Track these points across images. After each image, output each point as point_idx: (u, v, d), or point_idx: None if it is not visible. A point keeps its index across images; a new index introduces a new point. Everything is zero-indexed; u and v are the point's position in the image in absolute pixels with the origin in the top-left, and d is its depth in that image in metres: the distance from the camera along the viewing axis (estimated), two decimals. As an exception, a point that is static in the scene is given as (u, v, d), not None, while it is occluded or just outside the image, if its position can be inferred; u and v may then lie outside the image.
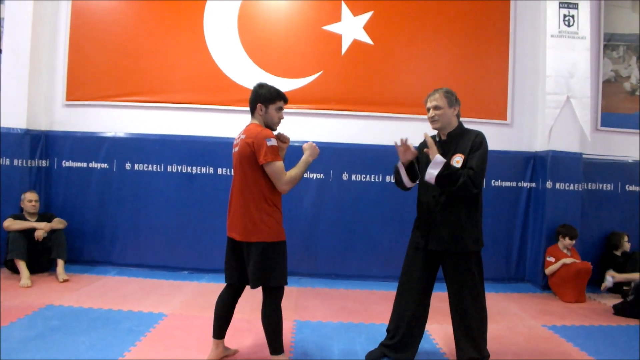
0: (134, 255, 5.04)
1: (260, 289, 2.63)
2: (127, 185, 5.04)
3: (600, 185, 5.19)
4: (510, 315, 4.01)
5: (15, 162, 4.87)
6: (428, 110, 2.80)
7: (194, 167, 5.04)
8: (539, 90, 5.18)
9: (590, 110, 5.04)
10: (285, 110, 2.80)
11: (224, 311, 2.78)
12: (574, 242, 4.66)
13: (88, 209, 5.06)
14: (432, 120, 2.79)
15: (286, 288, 2.70)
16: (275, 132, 2.74)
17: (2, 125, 4.86)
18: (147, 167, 5.05)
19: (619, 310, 4.12)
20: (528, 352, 3.20)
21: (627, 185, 5.20)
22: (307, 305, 4.06)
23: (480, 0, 5.23)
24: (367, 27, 5.20)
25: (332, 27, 5.20)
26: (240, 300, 2.83)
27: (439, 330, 3.49)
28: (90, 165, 5.07)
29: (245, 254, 2.62)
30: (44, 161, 5.07)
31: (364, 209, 5.03)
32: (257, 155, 2.54)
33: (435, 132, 2.90)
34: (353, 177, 5.04)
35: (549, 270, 4.67)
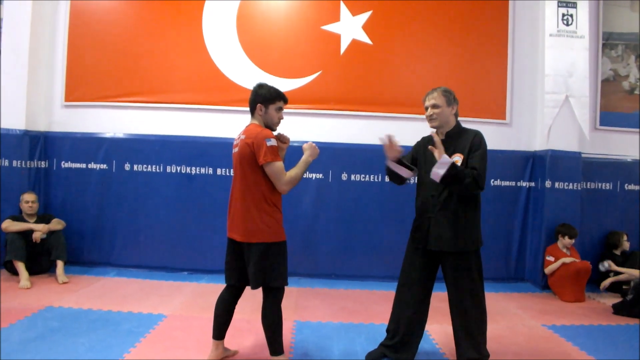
0: (134, 256, 5.03)
1: (260, 289, 2.63)
2: (126, 186, 5.04)
3: (600, 185, 5.20)
4: (509, 315, 4.01)
5: (14, 163, 4.86)
6: (426, 108, 2.81)
7: (193, 168, 5.03)
8: (537, 89, 5.18)
9: (589, 110, 5.04)
10: (284, 110, 2.80)
11: (223, 312, 2.78)
12: (573, 241, 4.66)
13: (87, 210, 5.05)
14: (430, 119, 2.80)
15: (286, 288, 2.70)
16: (275, 133, 2.74)
17: (1, 126, 4.85)
18: (146, 167, 5.04)
19: (618, 310, 4.12)
20: (528, 352, 3.20)
21: (626, 185, 5.21)
22: (307, 306, 4.06)
23: (479, 0, 5.23)
24: (366, 27, 5.19)
25: (331, 27, 5.19)
26: (240, 301, 2.83)
27: (438, 330, 3.49)
28: (90, 166, 5.07)
29: (246, 254, 2.62)
30: (43, 162, 5.07)
31: (363, 209, 5.03)
32: (256, 156, 2.54)
33: (433, 132, 2.90)
34: (352, 177, 5.04)
35: (548, 270, 4.67)
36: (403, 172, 2.84)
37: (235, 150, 2.70)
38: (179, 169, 5.04)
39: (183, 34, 5.17)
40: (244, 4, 5.18)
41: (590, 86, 5.13)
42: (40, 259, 4.53)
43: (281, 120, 2.78)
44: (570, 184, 4.93)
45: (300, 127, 4.95)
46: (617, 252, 4.90)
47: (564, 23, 4.99)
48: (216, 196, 4.90)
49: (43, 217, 4.69)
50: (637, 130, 5.32)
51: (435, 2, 5.22)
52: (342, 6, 5.18)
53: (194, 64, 5.17)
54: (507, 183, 5.14)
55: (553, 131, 4.97)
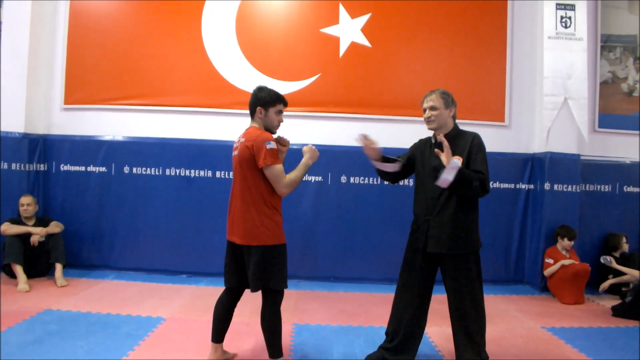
0: (133, 259, 5.03)
1: (259, 292, 2.63)
2: (125, 188, 5.04)
3: (599, 187, 5.20)
4: (509, 317, 4.01)
5: (14, 166, 4.86)
6: (424, 110, 2.81)
7: (193, 170, 5.03)
8: (536, 91, 5.19)
9: (587, 112, 5.05)
10: (283, 113, 2.80)
11: (223, 315, 2.78)
12: (572, 243, 4.66)
13: (86, 212, 5.05)
14: (428, 121, 2.80)
15: (285, 291, 2.69)
16: (275, 135, 2.74)
17: (0, 129, 4.85)
18: (146, 170, 5.04)
19: (617, 312, 4.12)
20: (527, 354, 3.20)
21: (625, 186, 5.21)
22: (306, 308, 4.05)
23: (478, 2, 5.25)
24: (365, 30, 5.20)
25: (329, 30, 5.20)
26: (239, 304, 2.82)
27: (437, 332, 3.49)
28: (89, 168, 5.07)
29: (246, 257, 2.62)
30: (42, 165, 5.07)
31: (362, 211, 5.03)
32: (256, 159, 2.54)
33: (430, 134, 2.91)
34: (352, 179, 5.04)
35: (547, 272, 4.67)
36: (388, 167, 2.90)
37: (235, 153, 2.70)
38: (178, 171, 5.03)
39: (182, 37, 5.18)
40: (243, 7, 5.20)
41: (589, 88, 5.14)
42: (38, 262, 4.52)
43: (281, 123, 2.79)
44: (569, 186, 4.93)
45: (300, 130, 4.95)
46: (617, 254, 4.90)
47: (562, 25, 5.00)
48: (215, 199, 4.90)
49: (42, 219, 4.69)
50: (636, 132, 5.33)
51: (434, 5, 5.23)
52: (341, 9, 5.19)
53: (193, 66, 5.18)
54: (506, 185, 5.14)
55: (552, 133, 4.98)
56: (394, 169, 2.92)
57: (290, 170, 2.65)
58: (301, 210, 4.99)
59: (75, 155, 5.08)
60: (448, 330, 2.83)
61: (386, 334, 2.94)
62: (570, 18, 5.01)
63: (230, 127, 4.87)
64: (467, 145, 2.69)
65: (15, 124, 4.90)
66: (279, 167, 2.58)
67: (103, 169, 5.06)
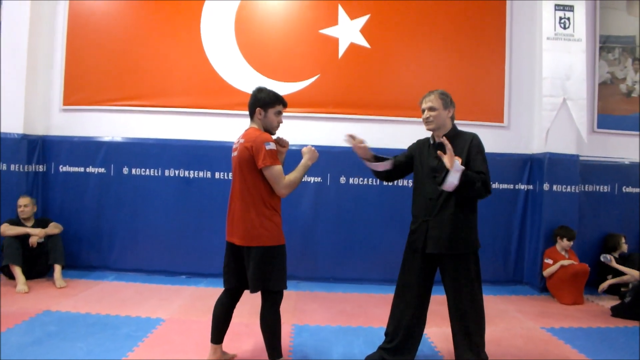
0: (132, 260, 5.02)
1: (258, 293, 2.62)
2: (124, 189, 5.04)
3: (598, 187, 5.21)
4: (508, 318, 4.01)
5: (12, 167, 4.86)
6: (423, 111, 2.82)
7: (192, 172, 5.03)
8: (535, 92, 5.20)
9: (586, 112, 5.06)
10: (283, 114, 2.81)
11: (222, 315, 2.77)
12: (571, 243, 4.67)
13: (85, 213, 5.05)
14: (427, 122, 2.81)
15: (285, 292, 2.69)
16: (274, 136, 2.74)
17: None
18: (145, 171, 5.04)
19: (616, 312, 4.12)
20: (526, 354, 3.20)
21: (624, 187, 5.22)
22: (305, 309, 4.05)
23: (477, 3, 5.25)
24: (364, 31, 5.21)
25: (328, 31, 5.21)
26: (238, 305, 2.82)
27: (437, 333, 3.49)
28: (88, 169, 5.07)
29: (245, 258, 2.62)
30: (41, 166, 5.06)
31: (362, 212, 5.03)
32: (255, 159, 2.54)
33: (429, 135, 2.92)
34: (351, 180, 5.04)
35: (546, 272, 4.68)
36: (379, 167, 2.96)
37: (235, 154, 2.70)
38: (177, 172, 5.03)
39: (181, 38, 5.18)
40: (242, 8, 5.20)
41: (588, 89, 5.14)
42: (38, 263, 4.52)
43: (280, 124, 2.79)
44: (569, 186, 4.93)
45: (299, 131, 4.95)
46: (616, 255, 4.89)
47: (561, 26, 5.01)
48: (214, 200, 4.90)
49: (41, 221, 4.68)
50: (634, 132, 5.35)
51: (433, 7, 5.24)
52: (340, 10, 5.19)
53: (192, 67, 5.18)
54: (505, 186, 5.15)
55: (551, 134, 4.99)
56: (384, 168, 2.96)
57: (290, 171, 2.66)
58: (300, 211, 4.99)
59: (74, 156, 5.08)
60: (447, 330, 2.83)
61: (385, 334, 2.94)
62: (569, 19, 5.03)
63: (229, 128, 4.86)
64: (466, 145, 2.70)
65: (14, 125, 4.90)
66: (278, 168, 2.58)
67: (102, 170, 5.06)
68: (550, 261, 4.67)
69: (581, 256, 4.81)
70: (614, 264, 4.61)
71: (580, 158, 5.05)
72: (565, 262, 4.55)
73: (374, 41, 5.21)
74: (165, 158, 5.03)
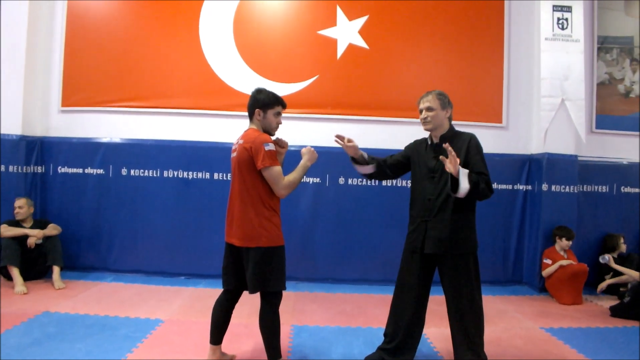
0: (131, 261, 5.02)
1: (258, 293, 2.62)
2: (123, 190, 5.03)
3: (596, 187, 5.22)
4: (507, 318, 4.01)
5: (11, 168, 4.85)
6: (420, 111, 2.83)
7: (190, 173, 5.02)
8: (534, 92, 5.21)
9: (585, 113, 5.07)
10: (282, 115, 2.81)
11: (221, 316, 2.77)
12: (570, 243, 4.67)
13: (84, 215, 5.04)
14: (425, 122, 2.82)
15: (284, 292, 2.69)
16: (273, 137, 2.74)
17: (-2, 132, 4.86)
18: (143, 172, 5.04)
19: (616, 312, 4.13)
20: (526, 355, 3.20)
21: (622, 187, 5.23)
22: (304, 310, 4.05)
23: (475, 4, 5.26)
24: (363, 32, 5.21)
25: (327, 32, 5.21)
26: (237, 305, 2.82)
27: (436, 333, 3.49)
28: (86, 171, 5.06)
29: (244, 259, 2.62)
30: (39, 167, 5.06)
31: (361, 212, 5.03)
32: (255, 160, 2.54)
33: (427, 135, 2.93)
34: (350, 181, 5.04)
35: (545, 273, 4.68)
36: (366, 169, 3.01)
37: (234, 155, 2.70)
38: (175, 173, 5.03)
39: (180, 39, 5.18)
40: (241, 9, 5.20)
41: (586, 89, 5.15)
42: (36, 264, 4.51)
43: (279, 125, 2.79)
44: (567, 186, 4.94)
45: (298, 132, 4.95)
46: (615, 255, 4.90)
47: (559, 27, 5.03)
48: (213, 201, 4.89)
49: (39, 222, 4.68)
50: (633, 132, 5.35)
51: (432, 7, 5.25)
52: (339, 11, 5.20)
53: (190, 68, 5.18)
54: (504, 186, 5.15)
55: (549, 134, 5.00)
56: (366, 172, 3.02)
57: (289, 172, 2.66)
58: (300, 212, 4.99)
59: (72, 158, 5.07)
60: (446, 331, 2.83)
61: (385, 334, 2.94)
62: (567, 20, 5.04)
63: (228, 129, 4.86)
64: (465, 146, 2.71)
65: (12, 126, 4.89)
66: (278, 168, 2.58)
67: (101, 171, 5.05)
68: (549, 261, 4.67)
69: (580, 256, 4.82)
70: (613, 265, 4.61)
71: (579, 158, 5.06)
72: (564, 262, 4.55)
73: (372, 42, 5.22)
74: (164, 159, 5.03)
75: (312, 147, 2.87)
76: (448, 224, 2.67)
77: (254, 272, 2.56)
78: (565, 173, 4.95)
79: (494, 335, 3.46)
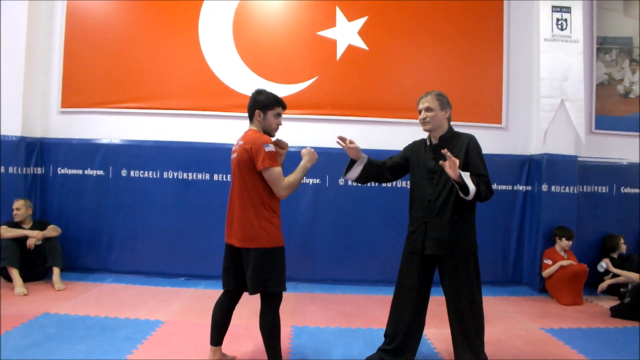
0: (131, 262, 5.01)
1: (258, 294, 2.62)
2: (123, 192, 5.03)
3: (596, 188, 5.22)
4: (507, 318, 4.01)
5: (11, 169, 4.85)
6: (420, 112, 2.83)
7: (190, 174, 5.03)
8: (533, 93, 5.21)
9: (584, 113, 5.07)
10: (282, 116, 2.81)
11: (221, 318, 2.77)
12: (570, 243, 4.67)
13: (84, 216, 5.04)
14: (424, 122, 2.82)
15: (284, 293, 2.69)
16: (273, 138, 2.75)
17: (-2, 133, 4.86)
18: (143, 173, 5.03)
19: (616, 312, 4.12)
20: (526, 355, 3.20)
21: (622, 187, 5.23)
22: (304, 311, 4.05)
23: (474, 5, 5.27)
24: (362, 32, 5.22)
25: (326, 33, 5.22)
26: (237, 306, 2.82)
27: (436, 334, 3.49)
28: (86, 172, 5.06)
29: (244, 260, 2.62)
30: (39, 168, 5.05)
31: (360, 213, 5.03)
32: (255, 161, 2.54)
33: (426, 136, 2.93)
34: (349, 182, 5.03)
35: (545, 273, 4.68)
36: (353, 173, 3.02)
37: (234, 156, 2.70)
38: (175, 174, 5.03)
39: (179, 40, 5.18)
40: (240, 9, 5.20)
41: (586, 90, 5.16)
42: (36, 266, 4.50)
43: (279, 126, 2.79)
44: (567, 187, 4.94)
45: (298, 133, 4.96)
46: (615, 255, 4.92)
47: (558, 27, 5.03)
48: (213, 202, 4.89)
49: (39, 223, 4.67)
50: (632, 133, 5.36)
51: (431, 8, 5.25)
52: (338, 12, 5.20)
53: (190, 69, 5.18)
54: (503, 187, 5.16)
55: (549, 135, 5.00)
56: (355, 174, 3.01)
57: (289, 173, 2.66)
58: (300, 213, 4.99)
59: (72, 159, 5.07)
60: (447, 331, 2.83)
61: (385, 335, 2.94)
62: (566, 20, 5.04)
63: (228, 130, 4.87)
64: (464, 146, 2.71)
65: (12, 128, 4.89)
66: (278, 169, 2.58)
67: (100, 172, 5.05)
68: (549, 262, 4.67)
69: (580, 257, 4.82)
70: (612, 269, 4.63)
71: (579, 159, 5.06)
72: (564, 263, 4.55)
73: (372, 43, 5.22)
74: (164, 160, 5.03)
75: (312, 148, 2.87)
76: (448, 225, 2.67)
77: (254, 273, 2.56)
78: (565, 173, 4.95)
79: (494, 336, 3.46)
